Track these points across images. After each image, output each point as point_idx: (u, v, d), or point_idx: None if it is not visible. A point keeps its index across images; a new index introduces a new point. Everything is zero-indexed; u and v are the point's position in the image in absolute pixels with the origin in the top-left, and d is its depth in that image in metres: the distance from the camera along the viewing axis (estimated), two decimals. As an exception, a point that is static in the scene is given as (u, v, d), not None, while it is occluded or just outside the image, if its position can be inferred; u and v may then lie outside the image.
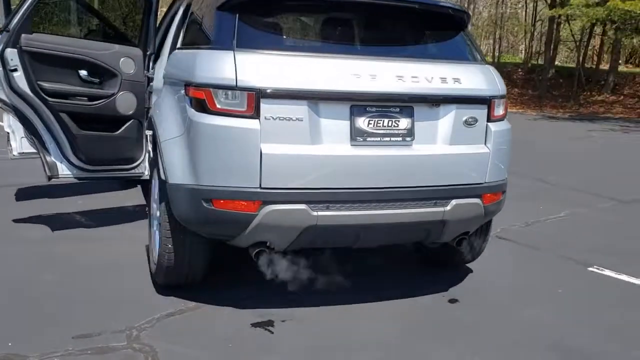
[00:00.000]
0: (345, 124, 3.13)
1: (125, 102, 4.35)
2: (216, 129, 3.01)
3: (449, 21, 3.53)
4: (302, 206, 3.06)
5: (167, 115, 3.36)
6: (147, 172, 4.61)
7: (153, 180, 3.78)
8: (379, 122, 3.17)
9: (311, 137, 3.07)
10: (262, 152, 2.98)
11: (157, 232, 3.64)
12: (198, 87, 3.06)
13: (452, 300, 3.75)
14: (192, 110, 3.09)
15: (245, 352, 3.01)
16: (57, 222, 4.75)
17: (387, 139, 3.20)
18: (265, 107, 2.99)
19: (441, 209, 3.29)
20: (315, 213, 3.07)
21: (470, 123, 3.36)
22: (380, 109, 3.18)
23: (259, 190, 3.02)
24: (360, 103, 3.14)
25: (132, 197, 5.59)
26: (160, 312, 3.34)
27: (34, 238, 4.41)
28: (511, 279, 4.19)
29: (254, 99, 2.98)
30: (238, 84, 2.98)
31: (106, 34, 5.46)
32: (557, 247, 4.88)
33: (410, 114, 3.23)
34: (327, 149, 3.09)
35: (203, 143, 3.04)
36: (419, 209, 3.26)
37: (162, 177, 3.28)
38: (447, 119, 3.31)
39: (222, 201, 3.06)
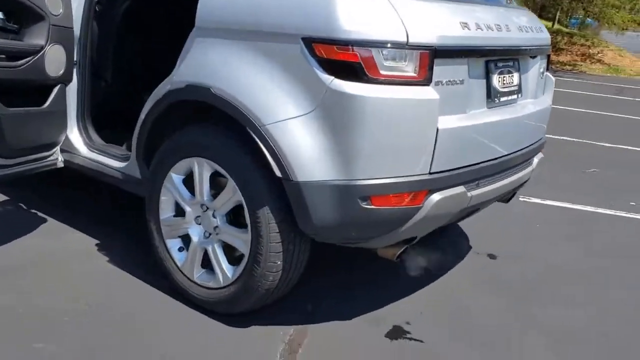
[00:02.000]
0: (482, 83, 2.64)
1: (55, 60, 2.87)
2: (382, 103, 2.23)
3: None
4: (461, 189, 2.53)
5: (265, 85, 2.33)
6: (60, 159, 3.24)
7: (197, 176, 2.62)
8: (504, 78, 2.77)
9: (466, 104, 2.52)
10: (439, 128, 2.33)
11: (216, 248, 2.61)
12: (346, 47, 2.19)
13: (492, 256, 3.65)
14: (333, 78, 2.21)
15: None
16: None
17: (512, 97, 2.83)
18: (437, 70, 2.32)
19: (530, 168, 3.11)
20: (469, 194, 2.57)
21: (542, 74, 3.18)
22: (504, 64, 2.76)
23: (427, 177, 2.37)
24: (493, 58, 2.67)
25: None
26: (274, 348, 2.46)
27: None
28: (497, 223, 4.23)
29: (428, 60, 2.27)
30: (410, 41, 2.22)
31: None
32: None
33: (518, 67, 2.89)
34: (478, 116, 2.58)
35: (360, 123, 2.22)
36: (524, 171, 3.02)
37: (278, 173, 2.31)
38: (534, 71, 3.06)
39: (383, 197, 2.33)
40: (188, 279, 2.72)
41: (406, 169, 2.33)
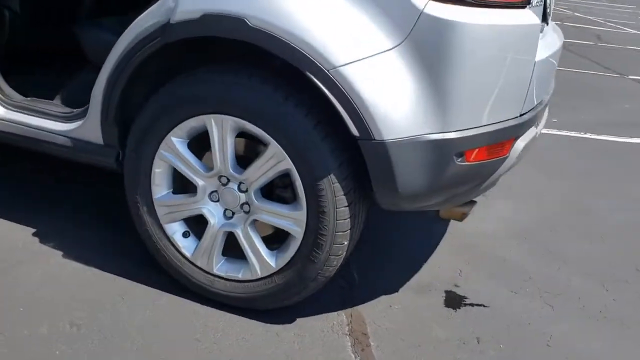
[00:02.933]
0: (541, 3, 2.24)
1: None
2: (489, 31, 1.75)
3: None
4: (534, 130, 2.17)
5: (330, 13, 1.72)
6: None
7: (217, 139, 1.94)
8: (546, -4, 2.38)
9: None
10: (535, 60, 1.91)
11: (250, 231, 2.00)
12: (448, -43, 1.65)
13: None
14: (428, 0, 1.68)
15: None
16: None
17: (549, 18, 2.46)
18: (534, -13, 1.88)
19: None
20: (537, 135, 2.23)
21: (552, -9, 2.85)
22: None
23: (518, 121, 1.97)
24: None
25: None
26: (341, 345, 1.98)
27: None
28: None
29: (530, -26, 1.82)
30: (517, -52, 1.75)
31: None
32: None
33: (548, -17, 2.52)
34: (545, 43, 2.18)
35: (464, 59, 1.72)
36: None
37: (355, 132, 1.75)
38: (552, -12, 2.72)
39: (477, 151, 1.88)
40: (205, 272, 2.10)
41: (501, 113, 1.90)
